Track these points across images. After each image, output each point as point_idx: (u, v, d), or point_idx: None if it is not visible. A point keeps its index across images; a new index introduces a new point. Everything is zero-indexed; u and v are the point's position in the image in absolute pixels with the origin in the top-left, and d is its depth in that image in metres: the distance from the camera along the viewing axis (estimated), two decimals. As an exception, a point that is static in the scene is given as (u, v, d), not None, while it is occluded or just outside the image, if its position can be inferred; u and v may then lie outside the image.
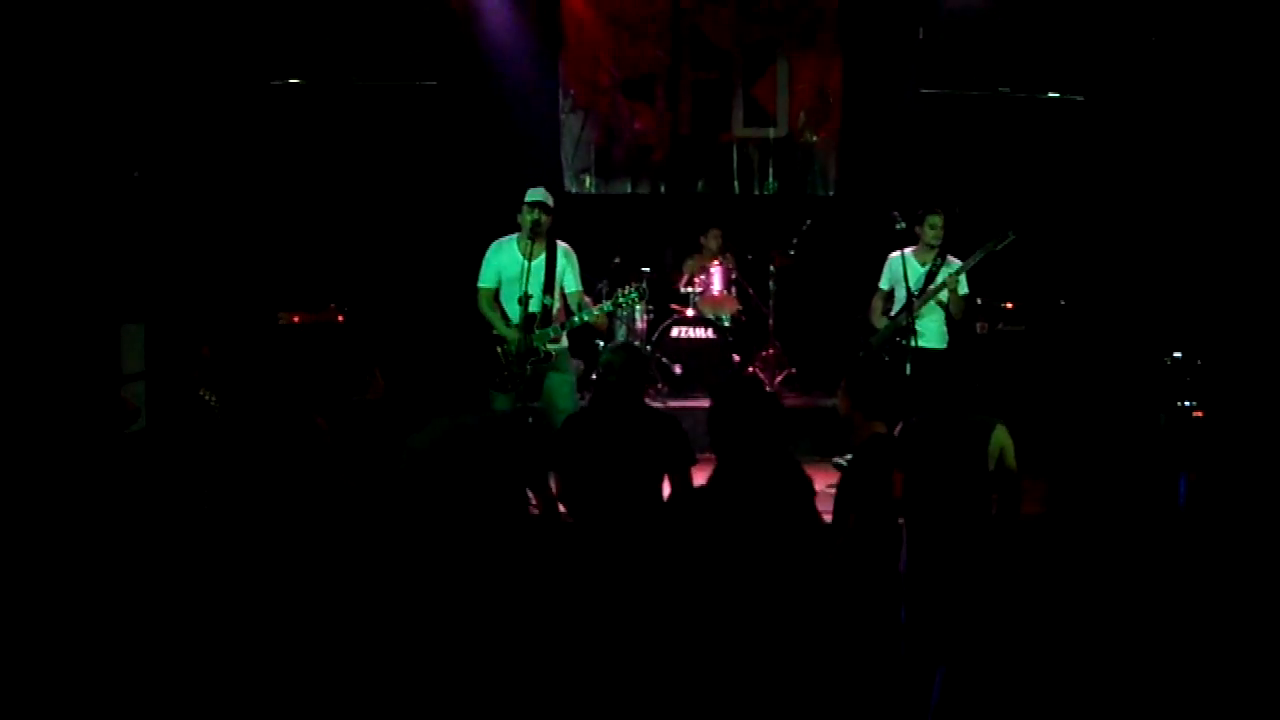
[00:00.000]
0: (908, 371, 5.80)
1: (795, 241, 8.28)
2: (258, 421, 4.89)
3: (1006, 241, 6.10)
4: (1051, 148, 8.42)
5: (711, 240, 8.57)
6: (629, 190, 9.35)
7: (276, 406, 5.35)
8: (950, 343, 6.51)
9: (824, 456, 6.62)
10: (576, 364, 6.93)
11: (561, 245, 5.99)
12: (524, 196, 5.90)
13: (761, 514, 3.74)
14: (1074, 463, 6.03)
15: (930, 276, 6.29)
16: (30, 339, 5.75)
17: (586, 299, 6.12)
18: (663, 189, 9.34)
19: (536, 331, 5.83)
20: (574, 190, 9.18)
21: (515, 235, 5.96)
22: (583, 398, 6.90)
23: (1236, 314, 7.41)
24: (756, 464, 3.81)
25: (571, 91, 9.22)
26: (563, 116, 9.23)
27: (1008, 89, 8.63)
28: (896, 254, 6.38)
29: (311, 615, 4.14)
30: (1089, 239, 8.18)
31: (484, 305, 5.98)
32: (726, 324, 8.22)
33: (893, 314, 6.48)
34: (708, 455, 4.10)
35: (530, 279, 5.79)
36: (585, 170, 9.29)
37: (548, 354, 5.85)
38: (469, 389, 4.19)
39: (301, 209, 8.35)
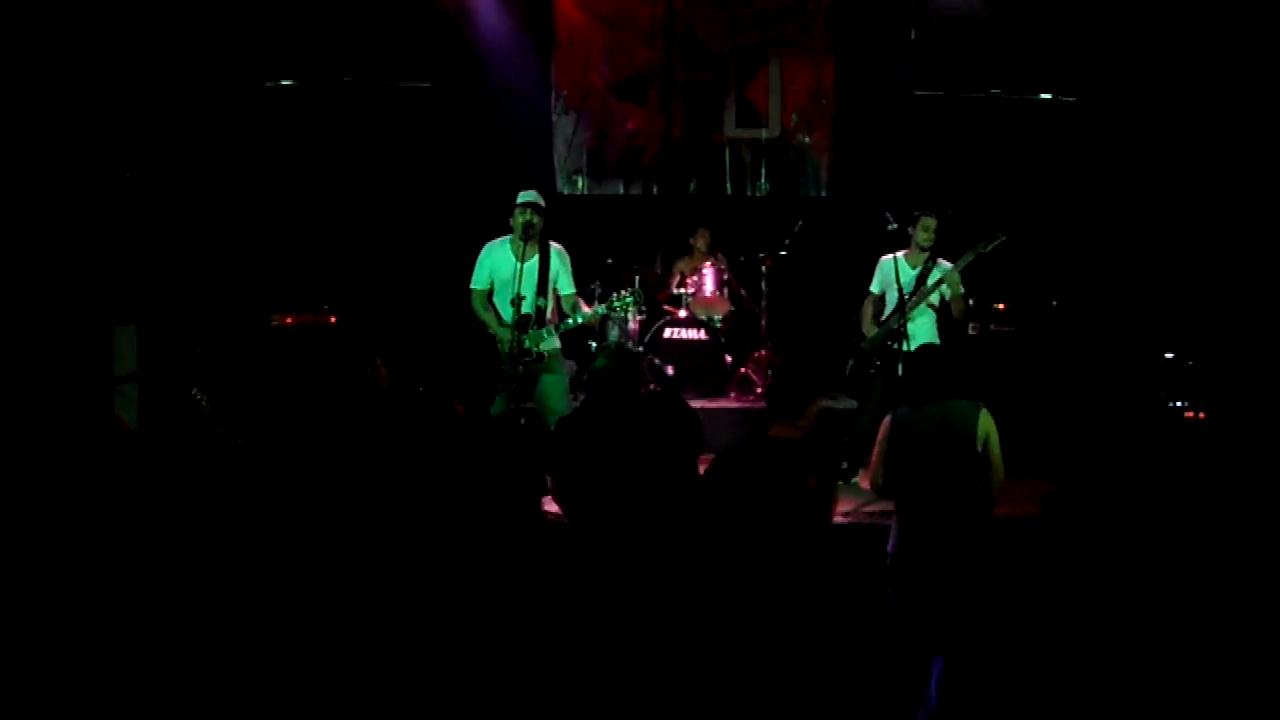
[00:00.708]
0: (899, 374, 5.82)
1: (787, 242, 8.27)
2: (410, 408, 4.79)
3: (996, 243, 6.11)
4: (1043, 149, 8.44)
5: (700, 241, 8.55)
6: (621, 191, 9.34)
7: (426, 394, 5.26)
8: (941, 345, 6.51)
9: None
10: (569, 365, 6.92)
11: (555, 247, 5.99)
12: (516, 198, 5.91)
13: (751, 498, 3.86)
14: (1066, 463, 6.05)
15: (921, 279, 6.31)
16: (23, 340, 5.74)
17: (579, 301, 6.13)
18: (655, 190, 9.35)
19: (529, 333, 5.84)
20: (566, 191, 9.18)
21: (508, 237, 5.96)
22: (575, 398, 6.90)
23: (1229, 315, 7.45)
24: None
25: (564, 93, 9.22)
26: (555, 117, 9.23)
27: (1000, 90, 8.66)
28: (888, 257, 6.40)
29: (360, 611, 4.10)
30: (1081, 240, 8.20)
31: (477, 306, 5.99)
32: (718, 325, 8.23)
33: (883, 319, 6.48)
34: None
35: (523, 281, 5.80)
36: (577, 171, 9.29)
37: (540, 355, 5.87)
38: (469, 389, 4.19)
39: (294, 210, 8.35)
